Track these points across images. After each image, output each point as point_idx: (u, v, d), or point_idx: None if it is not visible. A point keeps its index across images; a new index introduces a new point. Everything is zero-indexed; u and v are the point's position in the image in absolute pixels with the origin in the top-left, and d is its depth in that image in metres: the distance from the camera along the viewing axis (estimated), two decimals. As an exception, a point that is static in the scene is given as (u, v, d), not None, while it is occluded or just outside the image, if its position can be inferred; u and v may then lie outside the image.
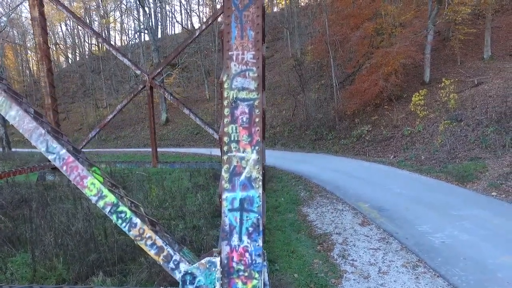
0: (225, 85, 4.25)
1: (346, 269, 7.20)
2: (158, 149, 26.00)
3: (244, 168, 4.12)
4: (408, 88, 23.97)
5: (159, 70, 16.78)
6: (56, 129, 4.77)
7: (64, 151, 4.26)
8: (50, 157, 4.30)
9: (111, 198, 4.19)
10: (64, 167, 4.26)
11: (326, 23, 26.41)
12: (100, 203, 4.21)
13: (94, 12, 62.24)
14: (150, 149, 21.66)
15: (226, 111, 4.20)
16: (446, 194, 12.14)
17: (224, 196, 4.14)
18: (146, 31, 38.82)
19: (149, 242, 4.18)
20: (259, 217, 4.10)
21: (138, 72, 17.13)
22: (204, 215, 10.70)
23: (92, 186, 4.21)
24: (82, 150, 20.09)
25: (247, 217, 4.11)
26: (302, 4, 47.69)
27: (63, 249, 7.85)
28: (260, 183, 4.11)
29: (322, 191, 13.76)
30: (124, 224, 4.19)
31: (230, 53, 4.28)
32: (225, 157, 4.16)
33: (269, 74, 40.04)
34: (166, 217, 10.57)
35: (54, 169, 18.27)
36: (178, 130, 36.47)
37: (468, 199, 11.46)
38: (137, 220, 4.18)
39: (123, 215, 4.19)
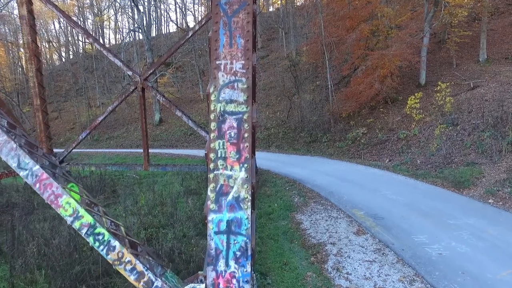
0: (212, 97, 3.95)
1: (340, 284, 6.93)
2: (151, 150, 25.61)
3: (232, 187, 3.83)
4: (404, 90, 23.80)
5: (151, 71, 16.42)
6: (31, 141, 4.44)
7: (37, 167, 3.93)
8: (21, 173, 3.97)
9: (88, 218, 3.88)
10: (37, 185, 3.93)
11: (321, 24, 26.17)
12: (76, 224, 3.89)
13: (88, 10, 61.58)
14: (142, 150, 21.24)
15: (213, 125, 3.90)
16: (443, 201, 11.92)
17: (210, 218, 3.84)
18: (139, 30, 38.31)
19: (128, 266, 3.86)
20: (247, 240, 3.80)
21: (129, 73, 16.76)
22: (194, 223, 10.39)
23: (67, 205, 3.89)
24: (74, 149, 19.45)
25: (234, 240, 3.81)
26: (298, 3, 47.41)
27: (45, 260, 7.51)
28: (249, 203, 3.82)
29: (316, 196, 13.49)
30: (102, 247, 3.88)
31: (217, 62, 3.98)
32: (211, 175, 3.86)
33: (264, 74, 39.73)
34: (156, 224, 10.25)
35: (43, 171, 17.87)
36: (171, 131, 36.04)
37: (465, 207, 11.24)
38: (115, 243, 3.87)
39: (100, 237, 3.87)
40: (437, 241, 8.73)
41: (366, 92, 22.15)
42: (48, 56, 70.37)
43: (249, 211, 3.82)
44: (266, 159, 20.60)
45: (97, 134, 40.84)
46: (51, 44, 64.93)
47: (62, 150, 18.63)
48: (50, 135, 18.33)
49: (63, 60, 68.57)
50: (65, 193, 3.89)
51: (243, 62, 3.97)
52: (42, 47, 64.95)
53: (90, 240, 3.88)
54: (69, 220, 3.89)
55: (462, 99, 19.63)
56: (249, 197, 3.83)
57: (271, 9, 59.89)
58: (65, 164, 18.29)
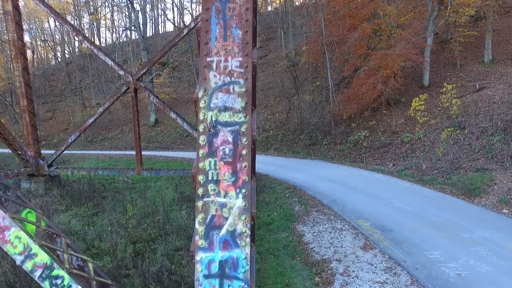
0: (202, 104, 3.12)
1: (350, 312, 6.14)
2: (145, 153, 24.75)
3: (226, 218, 3.01)
4: (407, 92, 23.03)
5: (144, 71, 15.58)
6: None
7: (-22, 191, 3.11)
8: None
9: (43, 257, 3.05)
10: (-21, 214, 3.10)
11: (322, 23, 25.38)
12: (28, 265, 3.06)
13: (83, 9, 60.50)
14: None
15: (202, 139, 3.08)
16: (454, 210, 11.15)
17: (198, 257, 3.02)
18: (135, 29, 37.41)
19: (94, 319, 3.05)
20: (245, 286, 2.99)
21: (121, 72, 15.91)
22: (187, 235, 9.59)
23: (16, 240, 3.06)
24: (67, 151, 18.63)
25: (229, 286, 3.00)
26: (297, 3, 46.65)
27: None
28: (248, 239, 3.00)
29: (318, 205, 12.69)
30: (60, 294, 3.05)
31: (208, 59, 3.16)
32: (199, 203, 3.04)
33: (262, 74, 38.91)
34: (145, 238, 9.42)
35: (31, 176, 17.01)
36: (167, 132, 35.14)
37: (479, 218, 10.47)
38: (78, 289, 3.05)
39: (59, 281, 3.05)
40: (453, 259, 7.95)
41: (369, 93, 21.36)
42: (43, 55, 69.33)
43: (247, 249, 3.00)
44: (265, 163, 19.80)
45: (91, 135, 39.91)
46: (46, 43, 63.79)
47: (54, 152, 17.74)
48: (38, 138, 17.47)
49: (59, 59, 67.50)
50: (15, 224, 3.06)
51: (240, 59, 3.16)
52: (38, 46, 63.89)
53: (46, 285, 3.05)
54: (18, 259, 3.07)
55: (469, 101, 18.88)
56: (248, 232, 3.02)
57: (269, 9, 59.10)
58: (53, 168, 17.42)
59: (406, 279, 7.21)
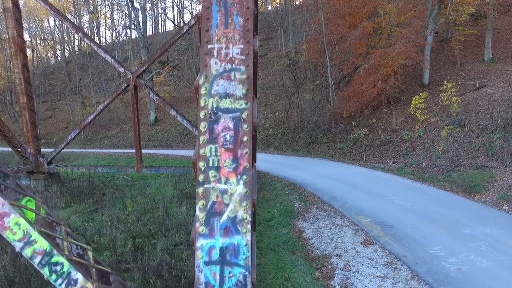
0: (202, 90, 3.11)
1: (350, 305, 6.13)
2: (145, 151, 24.74)
3: (227, 205, 3.00)
4: (407, 90, 23.02)
5: (144, 68, 15.56)
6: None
7: (-22, 178, 3.10)
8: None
9: (42, 244, 3.04)
10: (-22, 200, 3.08)
11: (322, 22, 25.36)
12: (27, 251, 3.05)
13: (83, 8, 60.45)
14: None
15: (203, 125, 3.07)
16: (454, 207, 11.14)
17: (198, 244, 3.01)
18: (135, 27, 37.39)
19: (94, 306, 3.03)
20: (246, 273, 2.98)
21: (121, 70, 15.88)
22: (187, 231, 9.57)
23: (16, 227, 3.05)
24: (66, 150, 18.62)
25: (230, 273, 2.99)
26: (297, 2, 46.61)
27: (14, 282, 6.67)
28: (249, 226, 2.99)
29: (318, 201, 12.68)
30: (59, 281, 3.04)
31: (209, 46, 3.14)
32: (200, 190, 3.03)
33: (262, 73, 38.86)
34: (145, 233, 9.41)
35: (30, 173, 16.99)
36: (167, 131, 35.13)
37: (479, 214, 10.46)
38: (78, 275, 3.03)
39: (58, 267, 3.04)
40: (453, 254, 7.94)
41: (369, 91, 21.34)
42: (43, 54, 69.24)
43: (248, 236, 2.99)
44: (265, 161, 19.78)
45: (91, 133, 39.88)
46: (46, 41, 63.70)
47: (54, 149, 17.72)
48: (38, 135, 17.44)
49: (58, 58, 67.44)
50: (14, 211, 3.05)
51: (241, 46, 3.14)
52: (38, 45, 63.82)
53: (45, 271, 3.04)
54: (18, 246, 3.05)
55: (469, 99, 18.87)
56: (249, 218, 3.00)
57: (269, 8, 59.08)
58: (53, 165, 17.40)
59: (407, 274, 7.20)
